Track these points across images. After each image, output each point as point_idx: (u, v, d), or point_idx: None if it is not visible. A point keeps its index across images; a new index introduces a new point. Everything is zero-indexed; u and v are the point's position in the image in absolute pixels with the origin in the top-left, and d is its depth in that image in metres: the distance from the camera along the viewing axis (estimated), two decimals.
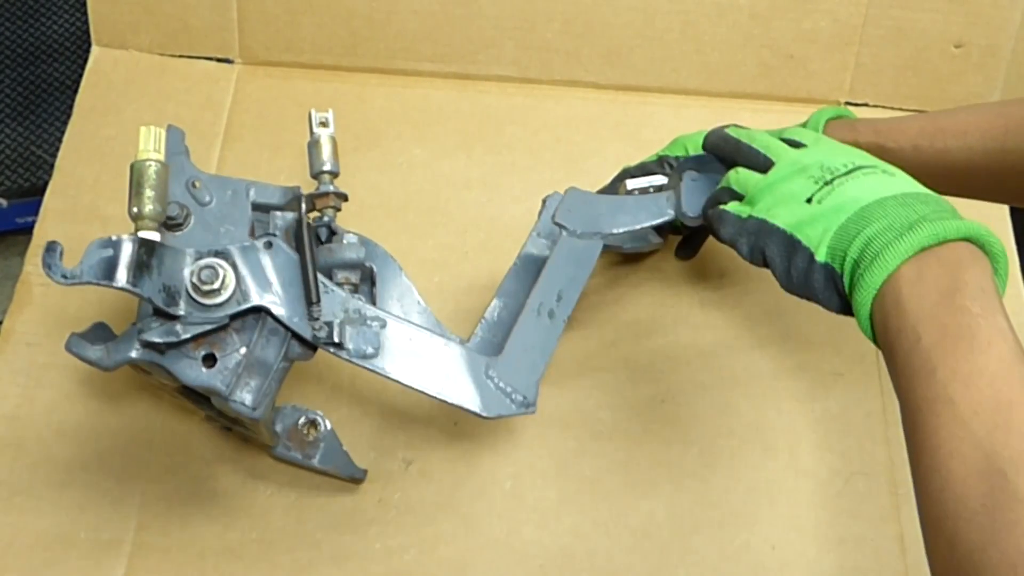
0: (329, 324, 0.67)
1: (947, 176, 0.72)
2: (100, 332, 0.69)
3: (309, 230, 0.70)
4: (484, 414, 0.71)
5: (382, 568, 0.80)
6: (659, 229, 0.88)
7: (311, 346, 0.69)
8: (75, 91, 1.02)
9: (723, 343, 0.91)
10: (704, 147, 0.75)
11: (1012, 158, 0.68)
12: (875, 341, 0.55)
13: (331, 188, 0.74)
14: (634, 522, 0.83)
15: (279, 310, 0.67)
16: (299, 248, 0.68)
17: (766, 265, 0.63)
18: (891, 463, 0.86)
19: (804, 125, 0.77)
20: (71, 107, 1.01)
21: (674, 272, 0.94)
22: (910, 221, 0.54)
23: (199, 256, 0.65)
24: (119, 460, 0.83)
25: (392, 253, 0.76)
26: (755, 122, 0.87)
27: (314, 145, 0.74)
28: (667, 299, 0.93)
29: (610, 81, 1.05)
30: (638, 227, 0.76)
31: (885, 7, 1.01)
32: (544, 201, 0.80)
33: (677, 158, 0.85)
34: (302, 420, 0.81)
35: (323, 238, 0.73)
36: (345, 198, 0.74)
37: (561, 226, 0.75)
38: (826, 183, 0.60)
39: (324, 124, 0.75)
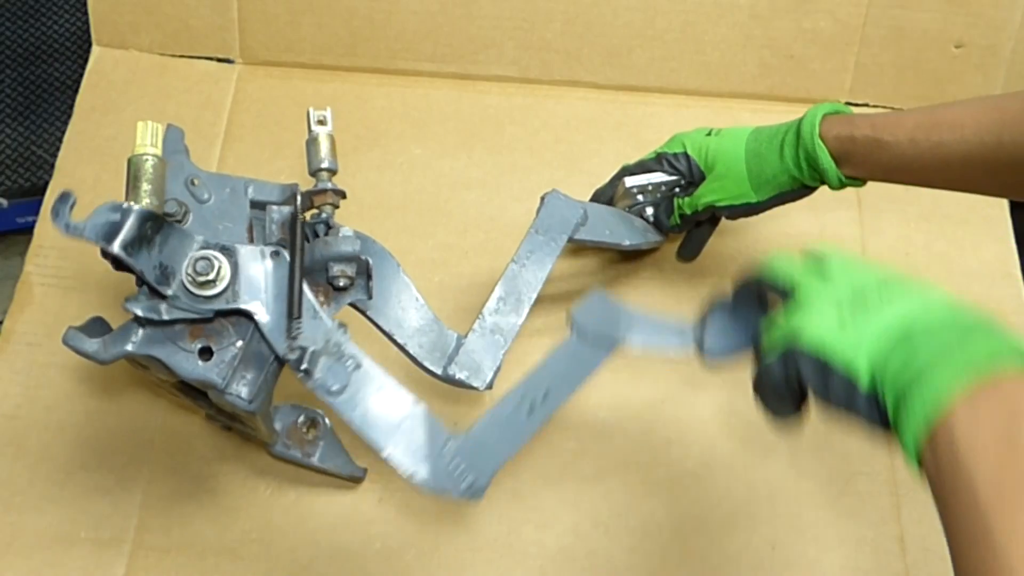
0: (304, 349, 0.67)
1: (943, 169, 0.72)
2: (97, 326, 0.69)
3: (301, 249, 0.69)
4: (425, 487, 0.67)
5: (382, 568, 0.80)
6: (659, 226, 0.88)
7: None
8: (75, 91, 1.02)
9: None
10: (734, 285, 0.69)
11: (1008, 151, 0.68)
12: (921, 474, 0.51)
13: (329, 185, 0.74)
14: (634, 522, 0.83)
15: (262, 318, 0.67)
16: (291, 259, 0.68)
17: (801, 392, 0.59)
18: (892, 464, 0.86)
19: (800, 121, 0.77)
20: (71, 107, 1.01)
21: (674, 271, 0.94)
22: (960, 349, 0.51)
23: (206, 245, 0.66)
24: (119, 460, 0.83)
25: (392, 253, 0.76)
26: (755, 122, 0.88)
27: (312, 143, 0.74)
28: (667, 298, 0.93)
29: (610, 81, 1.05)
30: (652, 349, 0.72)
31: (885, 7, 1.01)
32: (543, 198, 0.80)
33: (676, 155, 0.85)
34: (302, 418, 0.81)
35: (320, 234, 0.73)
36: (343, 195, 0.74)
37: (574, 323, 0.71)
38: (861, 303, 0.57)
39: (322, 122, 0.75)
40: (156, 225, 0.63)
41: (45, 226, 0.94)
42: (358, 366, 0.68)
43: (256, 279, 0.67)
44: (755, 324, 0.67)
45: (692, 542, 0.83)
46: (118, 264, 0.64)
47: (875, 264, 0.61)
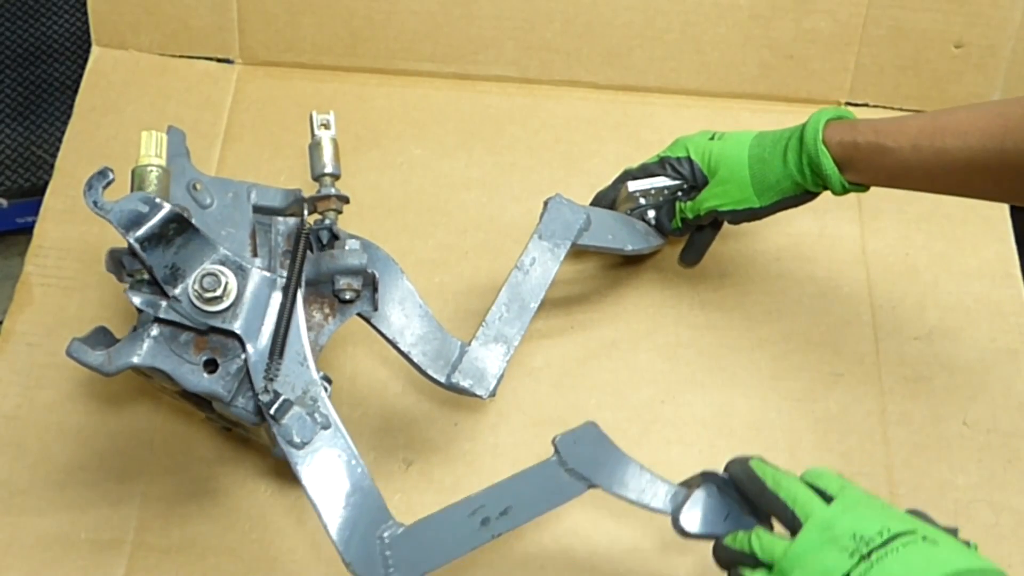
0: (277, 395, 0.66)
1: (946, 175, 0.72)
2: (101, 336, 0.69)
3: (295, 288, 0.69)
4: (351, 567, 0.66)
5: None
6: (660, 230, 0.88)
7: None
8: (75, 91, 1.02)
9: (723, 343, 0.91)
10: (726, 470, 0.67)
11: (1011, 157, 0.67)
12: None
13: (332, 191, 0.73)
14: (634, 521, 0.83)
15: (252, 348, 0.67)
16: (283, 295, 0.68)
17: None
18: (891, 463, 0.86)
19: (804, 126, 0.77)
20: (71, 107, 1.01)
21: (674, 273, 0.94)
22: None
23: (224, 259, 0.66)
24: (119, 460, 0.83)
25: (392, 253, 0.76)
26: (755, 122, 0.88)
27: (315, 147, 0.74)
28: (667, 299, 0.93)
29: (610, 81, 1.05)
30: (630, 499, 0.68)
31: (885, 7, 1.01)
32: (545, 203, 0.80)
33: (679, 159, 0.85)
34: None
35: (324, 241, 0.73)
36: (346, 200, 0.74)
37: (557, 451, 0.69)
38: (863, 558, 0.55)
39: (326, 126, 0.75)
40: (180, 228, 0.63)
41: (45, 226, 0.94)
42: (327, 426, 0.67)
43: (260, 307, 0.67)
44: (740, 521, 0.66)
45: (691, 542, 0.82)
46: (132, 251, 0.64)
47: (876, 502, 0.60)
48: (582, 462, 0.68)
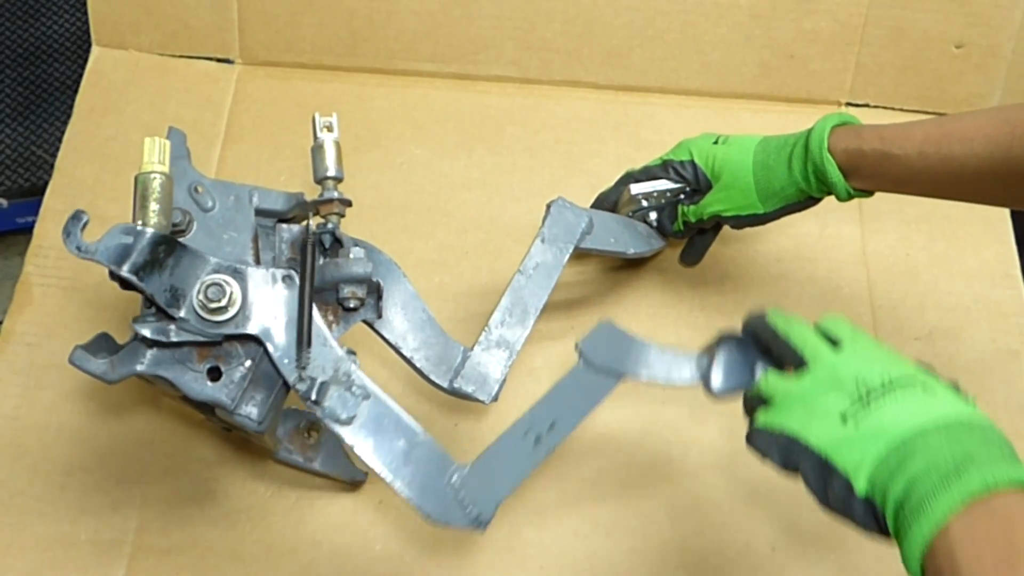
0: (313, 379, 0.67)
1: (953, 182, 0.72)
2: (103, 343, 0.69)
3: (311, 278, 0.69)
4: (432, 518, 0.68)
5: (382, 570, 0.80)
6: (662, 232, 0.88)
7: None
8: (75, 91, 1.02)
9: None
10: (743, 327, 0.70)
11: (1017, 164, 0.67)
12: None
13: (335, 194, 0.73)
14: (634, 523, 0.83)
15: (272, 346, 0.67)
16: (300, 289, 0.68)
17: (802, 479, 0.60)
18: None
19: (809, 133, 0.77)
20: (71, 107, 1.01)
21: (675, 274, 0.94)
22: (956, 462, 0.52)
23: (218, 267, 0.66)
24: (119, 461, 0.83)
25: (392, 254, 0.76)
26: (755, 122, 0.88)
27: (318, 150, 0.74)
28: (668, 301, 0.93)
29: (610, 81, 1.05)
30: (659, 382, 0.71)
31: (885, 7, 1.01)
32: (548, 207, 0.79)
33: (683, 163, 0.85)
34: (303, 423, 0.81)
35: (327, 245, 0.72)
36: (349, 204, 0.74)
37: (582, 355, 0.71)
38: (862, 400, 0.57)
39: (329, 128, 0.74)
40: (168, 248, 0.63)
41: (45, 226, 0.94)
42: (367, 396, 0.68)
43: (267, 304, 0.67)
44: (759, 368, 0.68)
45: (692, 543, 0.83)
46: (125, 284, 0.64)
47: (883, 351, 0.62)
48: (607, 358, 0.71)
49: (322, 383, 0.67)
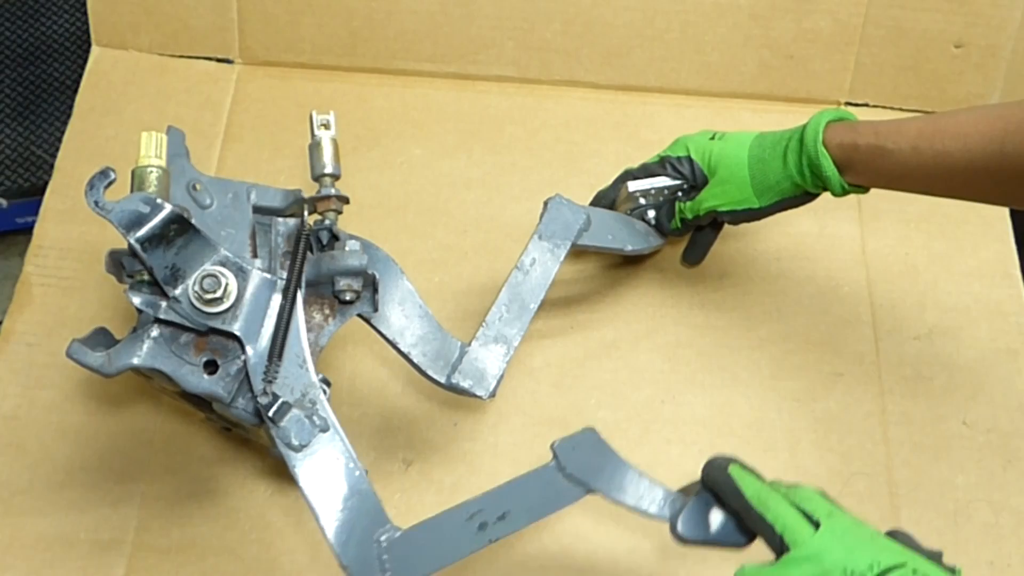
0: (276, 396, 0.66)
1: (946, 178, 0.72)
2: (101, 337, 0.69)
3: (295, 291, 0.69)
4: (348, 570, 0.66)
5: None
6: (660, 230, 0.88)
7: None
8: (75, 91, 1.02)
9: (723, 343, 0.91)
10: (703, 482, 0.67)
11: (1011, 161, 0.67)
12: None
13: (332, 191, 0.73)
14: (634, 522, 0.83)
15: (252, 349, 0.67)
16: (283, 297, 0.68)
17: None
18: (890, 463, 0.86)
19: (804, 128, 0.77)
20: (71, 107, 1.01)
21: (674, 273, 0.94)
22: None
23: (224, 261, 0.66)
24: (119, 460, 0.83)
25: (392, 253, 0.76)
26: (755, 122, 0.88)
27: (315, 147, 0.74)
28: (667, 299, 0.93)
29: (610, 81, 1.05)
30: (627, 506, 0.68)
31: (885, 7, 1.01)
32: (545, 204, 0.80)
33: (679, 159, 0.85)
34: None
35: (324, 241, 0.73)
36: (346, 201, 0.74)
37: (556, 457, 0.69)
38: None
39: (326, 126, 0.74)
40: (181, 228, 0.63)
41: (45, 226, 0.94)
42: (326, 429, 0.67)
43: (260, 308, 0.67)
44: (736, 528, 0.66)
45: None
46: (133, 251, 0.64)
47: (865, 531, 0.60)
48: (580, 467, 0.68)
49: (284, 402, 0.66)
